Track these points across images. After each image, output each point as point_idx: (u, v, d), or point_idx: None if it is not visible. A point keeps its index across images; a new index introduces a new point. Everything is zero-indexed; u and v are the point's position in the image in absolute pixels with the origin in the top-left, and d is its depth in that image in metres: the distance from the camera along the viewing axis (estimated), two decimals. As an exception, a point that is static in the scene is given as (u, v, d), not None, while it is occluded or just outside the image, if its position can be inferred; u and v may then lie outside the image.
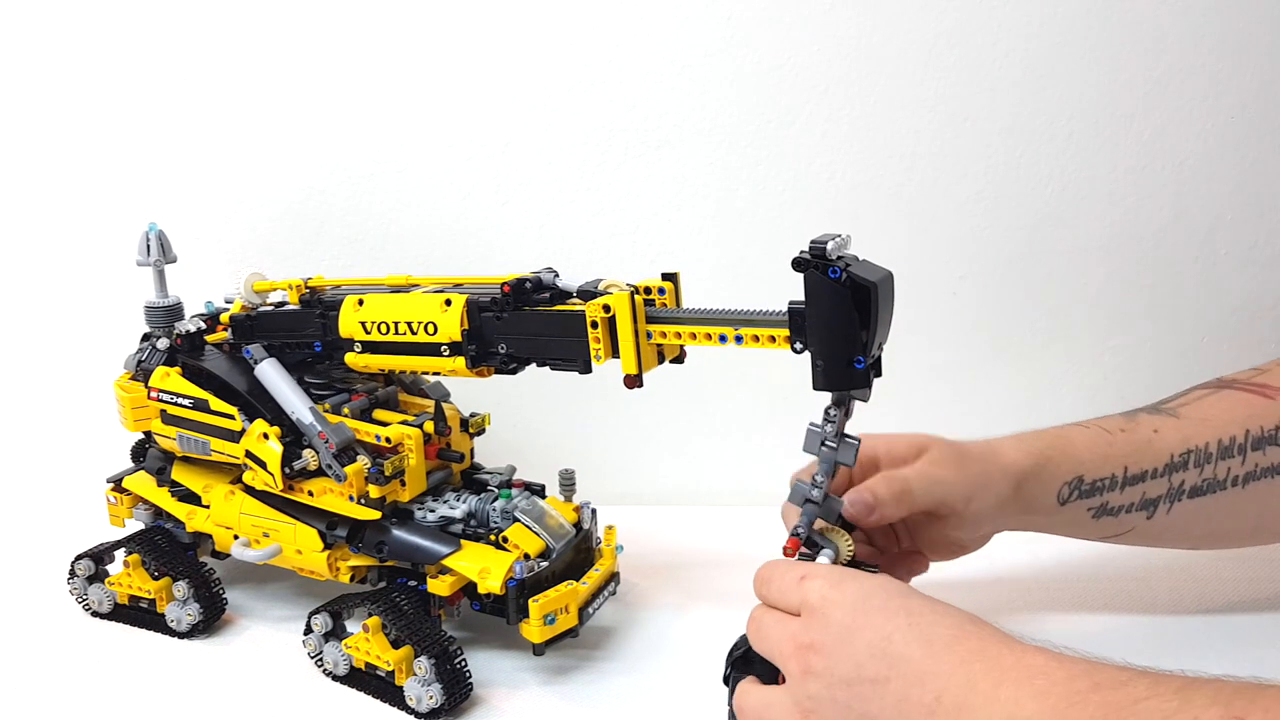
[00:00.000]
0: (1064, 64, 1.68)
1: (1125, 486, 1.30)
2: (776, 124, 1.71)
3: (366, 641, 1.25)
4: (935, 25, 1.67)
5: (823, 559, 1.07)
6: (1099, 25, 1.66)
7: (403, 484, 1.32)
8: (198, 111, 1.74)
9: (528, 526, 1.30)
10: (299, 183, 1.76)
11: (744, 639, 1.20)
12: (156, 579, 1.42)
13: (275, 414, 1.35)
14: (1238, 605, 1.45)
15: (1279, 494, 1.29)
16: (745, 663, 1.18)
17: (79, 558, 1.47)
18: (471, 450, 1.45)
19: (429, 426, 1.35)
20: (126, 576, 1.43)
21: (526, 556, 1.26)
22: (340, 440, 1.30)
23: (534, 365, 1.27)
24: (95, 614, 1.46)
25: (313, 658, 1.32)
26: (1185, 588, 1.51)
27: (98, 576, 1.46)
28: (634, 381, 1.16)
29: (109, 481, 1.55)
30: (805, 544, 1.12)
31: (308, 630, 1.31)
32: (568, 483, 1.43)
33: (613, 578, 1.38)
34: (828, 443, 1.08)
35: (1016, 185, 1.73)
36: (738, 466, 1.87)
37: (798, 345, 1.05)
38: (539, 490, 1.42)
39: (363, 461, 1.30)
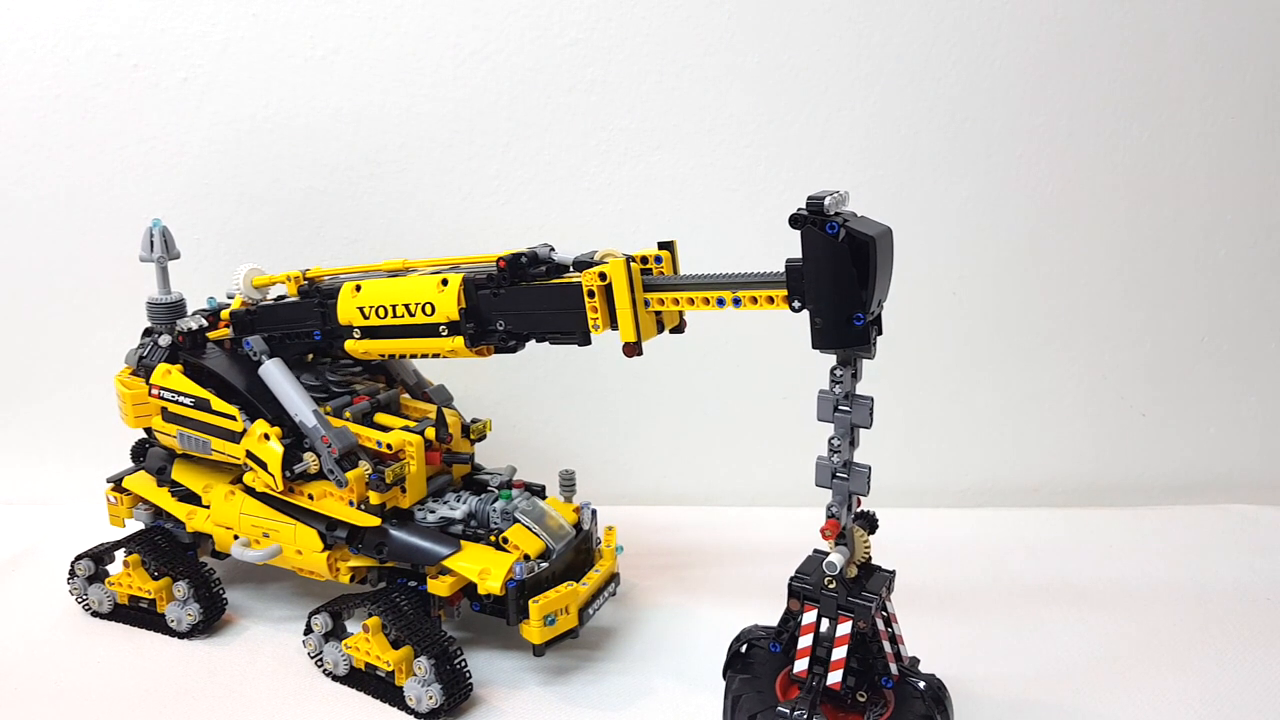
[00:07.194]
0: (1064, 64, 1.68)
1: None
2: (776, 124, 1.71)
3: (366, 641, 1.25)
4: (935, 25, 1.67)
5: (836, 557, 1.06)
6: (1099, 25, 1.66)
7: (403, 490, 1.32)
8: (201, 110, 1.74)
9: (528, 527, 1.30)
10: (299, 183, 1.76)
11: (744, 634, 1.20)
12: (156, 579, 1.42)
13: (277, 414, 1.35)
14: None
15: None
16: (745, 659, 1.18)
17: (79, 558, 1.47)
18: (472, 453, 1.45)
19: (430, 433, 1.34)
20: (126, 576, 1.43)
21: (526, 557, 1.26)
22: (343, 445, 1.30)
23: (534, 343, 1.25)
24: (95, 614, 1.46)
25: (313, 658, 1.32)
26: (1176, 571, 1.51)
27: (98, 576, 1.46)
28: (633, 349, 1.13)
29: (109, 481, 1.55)
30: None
31: (308, 630, 1.31)
32: (568, 483, 1.43)
33: (613, 578, 1.38)
34: (841, 407, 1.05)
35: (1016, 185, 1.73)
36: (737, 467, 1.87)
37: (796, 304, 1.03)
38: (539, 491, 1.42)
39: (364, 467, 1.30)
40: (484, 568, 1.25)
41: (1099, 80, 1.69)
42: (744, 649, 1.19)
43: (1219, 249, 1.77)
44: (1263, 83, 1.69)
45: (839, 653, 1.07)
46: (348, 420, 1.35)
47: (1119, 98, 1.69)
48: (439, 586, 1.28)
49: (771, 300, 1.05)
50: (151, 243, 1.48)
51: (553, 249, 1.26)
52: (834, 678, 1.07)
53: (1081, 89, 1.69)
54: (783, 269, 1.03)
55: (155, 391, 1.43)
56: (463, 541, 1.30)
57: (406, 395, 1.51)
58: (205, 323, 1.46)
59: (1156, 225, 1.76)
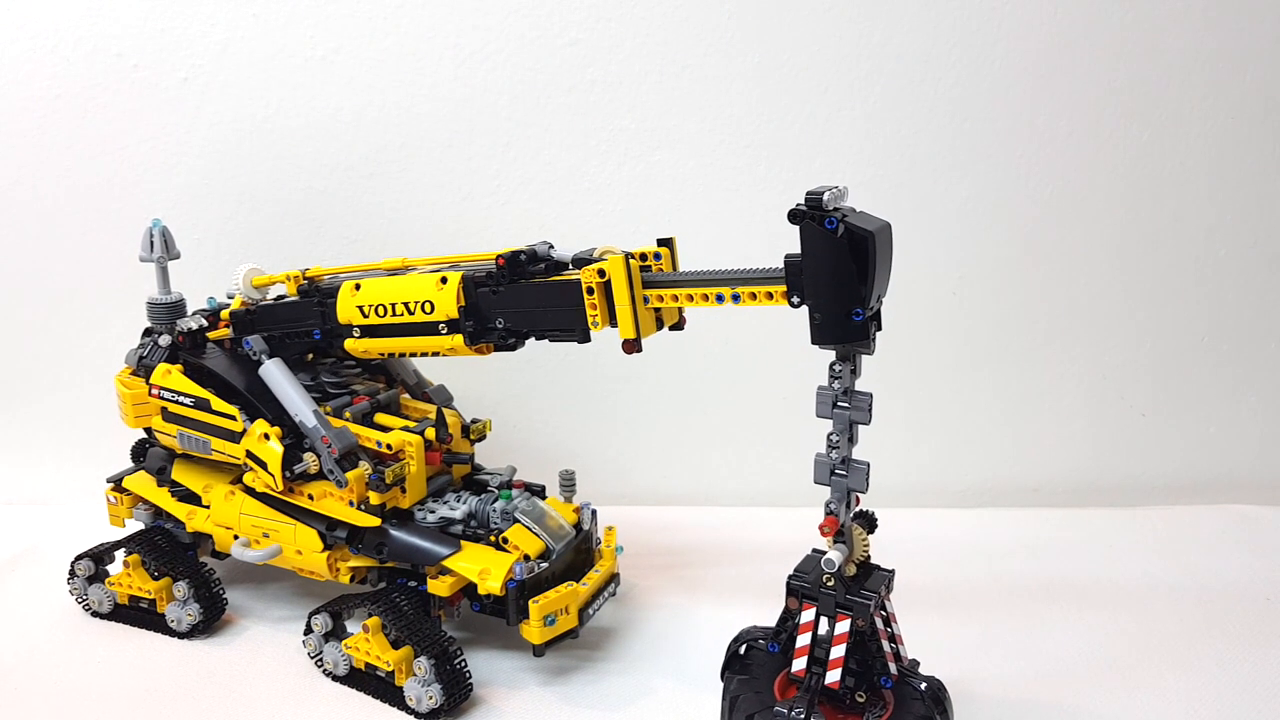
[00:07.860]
0: (1064, 64, 1.68)
1: None
2: (776, 124, 1.71)
3: (366, 642, 1.25)
4: (935, 25, 1.67)
5: (834, 555, 1.05)
6: (1099, 26, 1.66)
7: (403, 490, 1.32)
8: (201, 110, 1.74)
9: (528, 527, 1.30)
10: (299, 183, 1.76)
11: (742, 634, 1.20)
12: (156, 579, 1.42)
13: (277, 414, 1.35)
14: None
15: None
16: (743, 660, 1.18)
17: (79, 558, 1.47)
18: (472, 453, 1.45)
19: (430, 433, 1.34)
20: (126, 576, 1.43)
21: (526, 557, 1.26)
22: (343, 445, 1.30)
23: (534, 343, 1.25)
24: (95, 614, 1.46)
25: (313, 658, 1.32)
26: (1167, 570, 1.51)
27: (98, 576, 1.46)
28: (632, 346, 1.13)
29: (109, 481, 1.55)
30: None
31: (308, 630, 1.31)
32: (568, 483, 1.43)
33: (613, 578, 1.38)
34: (840, 403, 1.05)
35: (1016, 185, 1.73)
36: (737, 467, 1.87)
37: (795, 299, 1.02)
38: (539, 491, 1.42)
39: (364, 468, 1.30)
40: (484, 568, 1.25)
41: (1099, 80, 1.69)
42: (742, 650, 1.19)
43: (1219, 249, 1.77)
44: (1263, 83, 1.69)
45: (837, 651, 1.07)
46: (348, 420, 1.35)
47: (1119, 98, 1.69)
48: (439, 586, 1.28)
49: (770, 296, 1.04)
50: (151, 243, 1.48)
51: (552, 246, 1.26)
52: (832, 676, 1.07)
53: (1081, 89, 1.69)
54: (781, 266, 1.03)
55: (155, 391, 1.43)
56: (463, 541, 1.30)
57: (406, 395, 1.51)
58: (205, 323, 1.46)
59: (1156, 225, 1.75)
